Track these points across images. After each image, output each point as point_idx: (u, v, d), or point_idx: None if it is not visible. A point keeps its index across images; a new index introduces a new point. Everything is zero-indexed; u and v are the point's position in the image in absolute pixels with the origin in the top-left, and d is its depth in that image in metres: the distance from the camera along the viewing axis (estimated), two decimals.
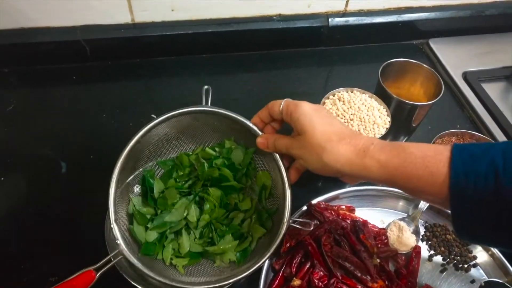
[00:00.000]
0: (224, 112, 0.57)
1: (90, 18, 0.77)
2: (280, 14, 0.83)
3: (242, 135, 0.59)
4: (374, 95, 0.62)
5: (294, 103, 0.50)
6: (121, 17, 0.79)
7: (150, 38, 0.80)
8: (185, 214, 0.56)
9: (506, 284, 0.54)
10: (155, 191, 0.57)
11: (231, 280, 0.47)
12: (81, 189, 0.63)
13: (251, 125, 0.55)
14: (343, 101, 0.61)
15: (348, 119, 0.59)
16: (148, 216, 0.56)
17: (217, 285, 0.47)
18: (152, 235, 0.54)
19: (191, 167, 0.60)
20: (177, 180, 0.59)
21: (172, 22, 0.81)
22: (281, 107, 0.51)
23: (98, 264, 0.48)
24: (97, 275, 0.47)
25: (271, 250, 0.49)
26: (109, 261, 0.48)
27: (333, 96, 0.62)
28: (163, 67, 0.83)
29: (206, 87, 0.60)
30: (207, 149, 0.61)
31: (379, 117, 0.59)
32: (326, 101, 0.62)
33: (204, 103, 0.58)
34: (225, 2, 0.79)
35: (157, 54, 0.83)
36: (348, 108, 0.60)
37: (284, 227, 0.50)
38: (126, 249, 0.48)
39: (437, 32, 0.90)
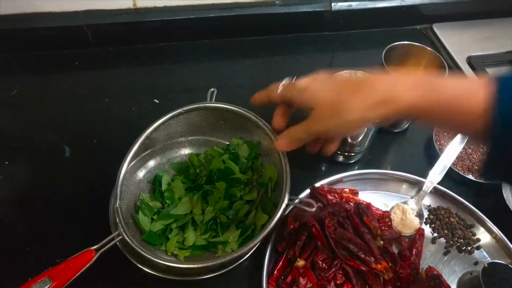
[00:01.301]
0: (233, 108, 0.59)
1: (92, 3, 0.77)
2: None
3: (250, 129, 0.60)
4: None
5: (291, 85, 0.50)
6: (123, 2, 0.78)
7: (152, 24, 0.80)
8: (191, 208, 0.56)
9: (509, 265, 0.54)
10: (162, 183, 0.57)
11: (223, 259, 0.47)
12: (85, 172, 0.63)
13: (259, 121, 0.58)
14: None
15: None
16: (155, 209, 0.56)
17: (209, 264, 0.47)
18: (157, 226, 0.55)
19: (201, 166, 0.61)
20: (187, 177, 0.60)
21: (174, 7, 0.80)
22: (279, 91, 0.52)
23: (99, 244, 0.48)
24: (97, 254, 0.48)
25: (269, 227, 0.49)
26: (110, 241, 0.49)
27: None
28: (165, 53, 0.82)
29: (212, 89, 0.61)
30: (215, 147, 0.61)
31: None
32: None
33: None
34: None
35: (159, 39, 0.83)
36: None
37: (283, 205, 0.50)
38: (126, 229, 0.48)
39: (441, 16, 0.89)
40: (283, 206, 0.51)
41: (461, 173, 0.65)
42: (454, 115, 0.40)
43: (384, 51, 0.65)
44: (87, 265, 0.48)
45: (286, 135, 0.52)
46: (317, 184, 0.61)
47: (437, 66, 0.66)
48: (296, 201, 0.53)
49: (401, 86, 0.42)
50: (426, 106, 0.41)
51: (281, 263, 0.53)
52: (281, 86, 0.53)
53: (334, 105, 0.45)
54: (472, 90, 0.39)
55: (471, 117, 0.39)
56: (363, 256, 0.53)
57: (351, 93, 0.44)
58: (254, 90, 0.77)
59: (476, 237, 0.60)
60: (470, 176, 0.65)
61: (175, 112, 0.58)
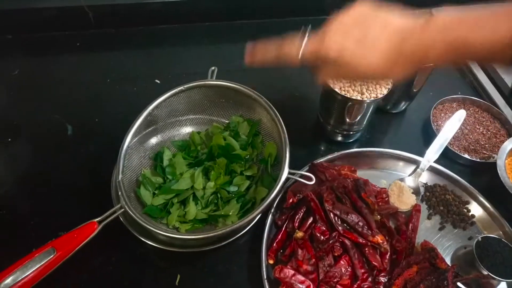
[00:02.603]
0: (233, 85, 0.59)
1: None
2: None
3: (250, 107, 0.61)
4: None
5: (319, 49, 0.44)
6: None
7: (153, 5, 0.80)
8: (192, 184, 0.57)
9: (501, 238, 0.56)
10: (164, 159, 0.58)
11: (223, 230, 0.48)
12: (87, 150, 0.64)
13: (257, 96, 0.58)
14: None
15: (351, 80, 0.59)
16: (157, 185, 0.57)
17: (210, 235, 0.48)
18: (158, 200, 0.56)
19: (202, 144, 0.62)
20: (188, 154, 0.61)
21: None
22: (300, 55, 0.45)
23: (102, 217, 0.49)
24: (100, 226, 0.49)
25: (269, 200, 0.50)
26: (112, 213, 0.50)
27: None
28: (166, 35, 0.83)
29: (212, 68, 0.61)
30: (215, 124, 0.62)
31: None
32: None
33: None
34: None
35: (160, 21, 0.83)
36: None
37: (283, 178, 0.51)
38: (128, 202, 0.50)
39: (440, 0, 0.90)
40: (283, 178, 0.52)
41: (457, 152, 0.66)
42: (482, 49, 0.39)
43: None
44: (90, 237, 0.49)
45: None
46: (317, 161, 0.62)
47: None
48: (296, 174, 0.54)
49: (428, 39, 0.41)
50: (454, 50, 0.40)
51: (280, 236, 0.55)
52: (304, 45, 0.45)
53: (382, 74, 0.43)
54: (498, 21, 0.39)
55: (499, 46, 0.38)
56: (360, 229, 0.54)
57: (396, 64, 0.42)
58: (256, 72, 0.78)
59: (470, 213, 0.61)
60: (466, 155, 0.66)
61: (176, 90, 0.59)
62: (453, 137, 0.67)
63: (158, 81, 0.74)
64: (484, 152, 0.67)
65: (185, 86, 0.59)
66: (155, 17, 0.82)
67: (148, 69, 0.77)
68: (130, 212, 0.50)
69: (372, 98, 0.58)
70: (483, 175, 0.66)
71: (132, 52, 0.80)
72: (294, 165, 0.59)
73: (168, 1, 0.80)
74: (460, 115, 0.67)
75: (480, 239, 0.56)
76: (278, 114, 0.57)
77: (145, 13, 0.81)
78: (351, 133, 0.67)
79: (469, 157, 0.66)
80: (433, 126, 0.69)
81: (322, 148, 0.68)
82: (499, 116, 0.71)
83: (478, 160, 0.66)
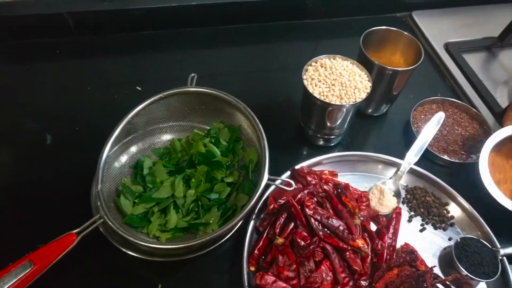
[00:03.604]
0: (212, 92, 0.59)
1: None
2: None
3: (231, 113, 0.61)
4: (356, 62, 0.63)
5: None
6: None
7: (134, 11, 0.80)
8: (172, 192, 0.57)
9: (479, 239, 0.57)
10: (144, 167, 0.58)
11: (203, 239, 0.48)
12: (67, 159, 0.64)
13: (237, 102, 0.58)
14: (325, 67, 0.62)
15: (330, 84, 0.60)
16: (137, 194, 0.57)
17: (190, 244, 0.48)
18: (139, 209, 0.55)
19: (183, 152, 0.61)
20: (169, 162, 0.60)
21: None
22: None
23: (80, 228, 0.49)
24: (79, 237, 0.48)
25: (248, 207, 0.50)
26: (91, 224, 0.50)
27: (316, 63, 0.63)
28: (148, 41, 0.82)
29: (192, 74, 0.61)
30: (196, 131, 0.62)
31: (360, 82, 0.60)
32: (309, 67, 0.62)
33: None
34: None
35: (142, 27, 0.83)
36: (330, 74, 0.61)
37: (262, 184, 0.51)
38: (107, 212, 0.49)
39: (420, 4, 0.91)
40: (262, 185, 0.52)
41: (437, 154, 0.67)
42: None
43: (362, 36, 0.66)
44: (69, 248, 0.49)
45: None
46: (297, 166, 0.62)
47: (414, 51, 0.67)
48: (276, 181, 0.54)
49: None
50: None
51: (261, 242, 0.55)
52: None
53: None
54: None
55: None
56: (341, 233, 0.54)
57: None
58: (238, 77, 0.78)
59: (450, 214, 0.62)
60: (446, 157, 0.67)
61: (155, 97, 0.59)
62: (432, 139, 0.67)
63: (140, 88, 0.74)
64: (463, 152, 0.68)
65: (164, 93, 0.59)
66: (136, 23, 0.82)
67: (130, 76, 0.77)
68: (109, 222, 0.49)
69: (351, 103, 0.59)
70: (462, 176, 0.66)
71: (113, 58, 0.80)
72: (276, 170, 0.60)
73: (149, 8, 0.79)
74: (439, 117, 0.68)
75: (459, 240, 0.56)
76: (257, 120, 0.57)
77: (127, 20, 0.81)
78: (332, 137, 0.67)
79: (448, 158, 0.67)
80: (413, 128, 0.70)
81: (304, 153, 0.69)
82: (477, 117, 0.72)
83: (457, 161, 0.67)
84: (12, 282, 0.45)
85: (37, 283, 0.47)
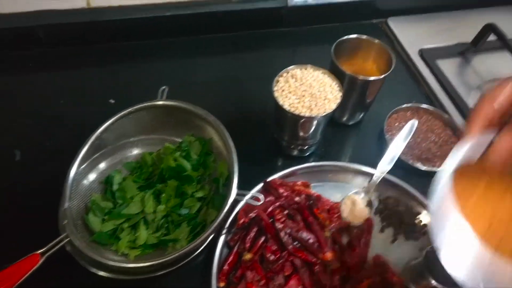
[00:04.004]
0: (181, 105, 0.60)
1: (44, 3, 0.76)
2: None
3: (201, 126, 0.61)
4: (328, 71, 0.63)
5: None
6: (77, 2, 0.77)
7: (107, 23, 0.79)
8: (142, 207, 0.57)
9: None
10: (114, 183, 0.57)
11: (171, 257, 0.48)
12: (36, 176, 0.63)
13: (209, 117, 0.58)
14: (296, 78, 0.62)
15: (300, 96, 0.60)
16: (106, 210, 0.56)
17: (158, 261, 0.48)
18: (108, 226, 0.55)
19: (154, 166, 0.61)
20: (139, 177, 0.60)
21: (129, 6, 0.80)
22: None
23: (45, 248, 0.48)
24: (43, 258, 0.48)
25: (216, 223, 0.50)
26: (57, 244, 0.49)
27: (287, 73, 0.63)
28: (121, 52, 0.82)
29: (163, 87, 0.61)
30: (166, 144, 0.62)
31: (331, 92, 0.60)
32: (280, 78, 0.62)
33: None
34: None
35: (115, 39, 0.82)
36: (300, 85, 0.61)
37: (230, 200, 0.51)
38: (74, 231, 0.49)
39: (396, 10, 0.92)
40: (230, 201, 0.52)
41: (410, 163, 0.67)
42: None
43: (333, 46, 0.66)
44: (32, 270, 0.48)
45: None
46: (270, 178, 0.62)
47: (386, 58, 0.67)
48: (244, 195, 0.54)
49: None
50: None
51: (231, 257, 0.54)
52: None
53: None
54: None
55: None
56: (311, 246, 0.54)
57: None
58: (212, 88, 0.78)
59: (422, 223, 0.62)
60: (419, 165, 0.67)
61: (124, 112, 0.58)
62: (406, 147, 0.68)
63: (113, 101, 0.73)
64: (436, 160, 0.68)
65: (134, 108, 0.59)
66: (109, 35, 0.81)
67: (103, 89, 0.76)
68: (76, 242, 0.49)
69: (321, 114, 0.59)
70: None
71: (86, 71, 0.79)
72: (249, 182, 0.60)
73: (122, 19, 0.79)
74: (411, 125, 0.68)
75: (429, 249, 0.57)
76: (227, 134, 0.57)
77: (99, 31, 0.80)
78: (306, 147, 0.67)
79: (421, 167, 0.67)
80: (386, 136, 0.70)
81: (279, 163, 0.68)
82: (450, 123, 0.72)
83: (430, 169, 0.67)
84: None
85: None
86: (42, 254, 0.49)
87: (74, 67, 0.79)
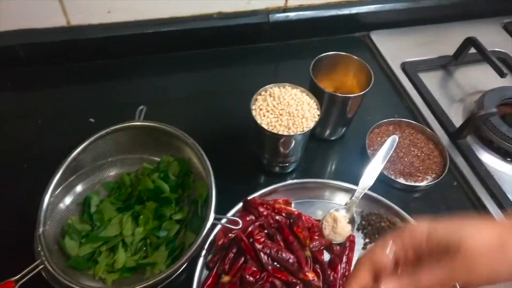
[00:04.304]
0: (159, 126, 0.59)
1: (23, 22, 0.75)
2: (220, 12, 0.83)
3: (179, 147, 0.61)
4: (306, 90, 0.63)
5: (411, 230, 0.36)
6: (56, 20, 0.77)
7: (87, 42, 0.79)
8: (121, 230, 0.56)
9: None
10: (91, 205, 0.57)
11: (149, 282, 0.47)
12: (11, 199, 0.61)
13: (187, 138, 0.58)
14: (274, 97, 0.61)
15: (278, 114, 0.60)
16: (84, 233, 0.55)
17: (139, 286, 0.47)
18: (85, 250, 0.54)
19: (132, 186, 0.60)
20: (117, 198, 0.59)
21: (109, 24, 0.79)
22: (388, 249, 0.36)
23: (19, 275, 0.47)
24: (17, 285, 0.47)
25: (193, 248, 0.49)
26: (31, 271, 0.48)
27: (265, 92, 0.63)
28: (102, 70, 0.81)
29: (140, 107, 0.61)
30: (145, 164, 0.61)
31: (308, 111, 0.60)
32: (258, 97, 0.62)
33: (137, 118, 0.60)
34: (162, 2, 0.79)
35: (95, 57, 0.81)
36: (278, 103, 0.61)
37: (208, 225, 0.50)
38: (48, 256, 0.48)
39: (378, 24, 0.92)
40: (208, 225, 0.51)
41: (392, 177, 0.67)
42: None
43: (312, 64, 0.66)
44: None
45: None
46: (250, 197, 0.61)
47: (365, 73, 0.68)
48: (222, 220, 0.53)
49: None
50: None
51: (211, 279, 0.54)
52: (390, 246, 0.37)
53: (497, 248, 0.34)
54: None
55: None
56: (291, 267, 0.54)
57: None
58: (192, 105, 0.78)
59: None
60: (401, 180, 0.67)
61: (101, 133, 0.58)
62: (388, 161, 0.68)
63: (93, 120, 0.72)
64: (418, 174, 0.68)
65: (110, 129, 0.58)
66: (89, 52, 0.81)
67: (84, 107, 0.75)
68: (50, 268, 0.48)
69: (299, 133, 0.58)
70: (417, 199, 0.67)
71: (66, 90, 0.78)
72: (230, 200, 0.59)
73: (102, 37, 0.79)
74: (392, 141, 0.68)
75: None
76: (205, 157, 0.56)
77: (79, 49, 0.80)
78: (287, 164, 0.67)
79: (404, 181, 0.67)
80: (368, 151, 0.70)
81: (260, 181, 0.68)
82: (432, 137, 0.73)
83: (412, 183, 0.67)
84: None
85: None
86: (17, 281, 0.47)
87: (53, 86, 0.79)
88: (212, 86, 0.81)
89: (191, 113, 0.76)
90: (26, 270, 0.48)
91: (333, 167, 0.71)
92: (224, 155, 0.63)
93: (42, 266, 0.48)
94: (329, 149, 0.74)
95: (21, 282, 0.48)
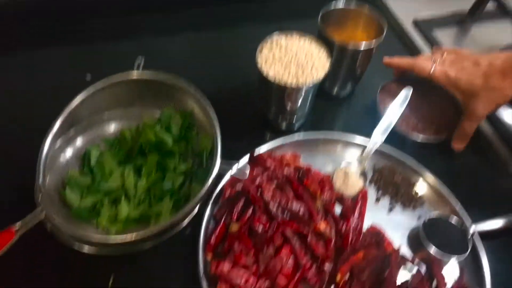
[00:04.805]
0: (159, 76, 0.57)
1: None
2: None
3: (181, 98, 0.58)
4: (314, 39, 0.60)
5: (450, 65, 0.61)
6: None
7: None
8: (122, 182, 0.54)
9: (448, 217, 0.54)
10: (91, 158, 0.55)
11: (153, 230, 0.46)
12: (11, 152, 0.60)
13: (189, 88, 0.56)
14: (280, 46, 0.59)
15: (285, 65, 0.57)
16: (84, 185, 0.54)
17: (140, 234, 0.46)
18: (87, 202, 0.52)
19: (133, 140, 0.58)
20: (118, 152, 0.57)
21: None
22: (432, 70, 0.61)
23: (19, 223, 0.46)
24: (19, 233, 0.45)
25: (199, 196, 0.47)
26: (32, 219, 0.47)
27: (271, 41, 0.60)
28: (99, 29, 0.78)
29: (139, 58, 0.60)
30: (146, 119, 0.59)
31: (318, 60, 0.58)
32: (263, 47, 0.59)
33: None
34: None
35: (91, 16, 0.79)
36: (285, 53, 0.58)
37: (214, 173, 0.48)
38: (49, 206, 0.47)
39: None
40: (215, 172, 0.49)
41: (405, 132, 0.64)
42: None
43: (319, 15, 0.63)
44: (8, 245, 0.45)
45: (463, 137, 0.63)
46: (258, 150, 0.59)
47: (376, 27, 0.65)
48: (229, 167, 0.51)
49: None
50: None
51: (218, 230, 0.52)
52: (433, 62, 0.61)
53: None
54: None
55: None
56: (301, 217, 0.52)
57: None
58: (194, 63, 0.75)
59: (419, 192, 0.59)
60: (414, 134, 0.64)
61: (97, 86, 0.56)
62: (401, 116, 0.65)
63: (89, 77, 0.70)
64: (432, 128, 0.65)
65: (107, 82, 0.56)
66: (85, 10, 0.78)
67: (80, 65, 0.73)
68: (51, 215, 0.47)
69: (308, 83, 0.56)
70: (431, 153, 0.64)
71: (62, 48, 0.76)
72: (235, 155, 0.57)
73: None
74: (405, 94, 0.65)
75: (427, 218, 0.54)
76: (209, 105, 0.54)
77: (75, 7, 0.77)
78: (294, 120, 0.64)
79: (417, 135, 0.64)
80: (379, 107, 0.67)
81: (266, 137, 0.65)
82: (447, 93, 0.69)
83: (425, 137, 0.64)
84: None
85: None
86: (18, 229, 0.46)
87: (49, 45, 0.76)
88: (214, 45, 0.78)
89: (192, 71, 0.72)
90: (27, 217, 0.47)
91: (342, 124, 0.69)
92: (226, 112, 0.60)
93: (43, 212, 0.47)
94: (337, 106, 0.71)
95: (23, 230, 0.46)
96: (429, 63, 0.62)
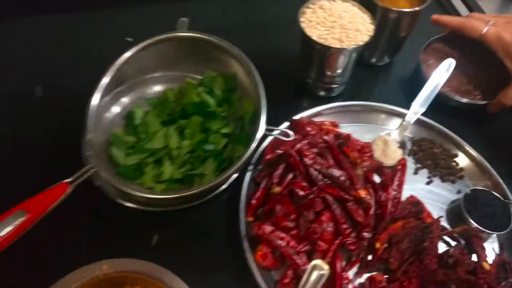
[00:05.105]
0: (203, 36, 0.56)
1: None
2: None
3: (225, 61, 0.57)
4: (357, 3, 0.59)
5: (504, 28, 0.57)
6: None
7: None
8: (166, 143, 0.54)
9: (490, 190, 0.53)
10: (136, 118, 0.55)
11: (197, 190, 0.46)
12: (60, 111, 0.61)
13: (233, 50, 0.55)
14: (324, 9, 0.57)
15: (329, 27, 0.56)
16: (129, 144, 0.54)
17: (185, 194, 0.47)
18: (131, 160, 0.53)
19: (176, 101, 0.58)
20: (161, 112, 0.57)
21: None
22: (485, 30, 0.58)
23: (72, 178, 0.47)
24: (72, 186, 0.46)
25: (244, 157, 0.47)
26: (83, 174, 0.47)
27: (314, 4, 0.58)
28: None
29: (183, 19, 0.58)
30: (188, 80, 0.58)
31: (362, 24, 0.56)
32: (306, 9, 0.58)
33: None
34: None
35: None
36: (329, 16, 0.56)
37: (259, 134, 0.48)
38: (98, 162, 0.47)
39: None
40: (259, 135, 0.49)
41: (448, 95, 0.62)
42: None
43: None
44: (62, 197, 0.46)
45: (503, 103, 0.60)
46: (296, 117, 0.59)
47: None
48: (274, 131, 0.51)
49: None
50: None
51: (259, 193, 0.52)
52: (486, 23, 0.58)
53: None
54: None
55: None
56: (342, 183, 0.52)
57: None
58: (233, 28, 0.74)
59: (459, 166, 0.59)
60: (457, 97, 0.62)
61: (144, 44, 0.55)
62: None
63: (131, 39, 0.69)
64: (477, 92, 0.63)
65: (154, 39, 0.55)
66: None
67: (121, 28, 0.72)
68: (101, 172, 0.47)
69: (352, 46, 0.54)
70: (473, 122, 0.62)
71: (102, 11, 0.75)
72: (274, 122, 0.56)
73: None
74: (447, 64, 0.63)
75: (468, 192, 0.53)
76: (253, 67, 0.54)
77: None
78: (334, 86, 0.63)
79: (460, 99, 0.62)
80: (423, 72, 0.64)
81: (304, 104, 0.65)
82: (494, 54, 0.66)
83: (470, 101, 0.62)
84: (8, 230, 0.43)
85: (31, 232, 0.45)
86: (70, 183, 0.47)
87: (91, 8, 0.76)
88: (254, 9, 0.77)
89: (232, 35, 0.71)
90: (79, 172, 0.48)
91: (381, 93, 0.68)
92: (265, 78, 0.60)
93: (94, 170, 0.48)
94: (376, 75, 0.69)
95: (75, 183, 0.47)
96: (482, 23, 0.58)
